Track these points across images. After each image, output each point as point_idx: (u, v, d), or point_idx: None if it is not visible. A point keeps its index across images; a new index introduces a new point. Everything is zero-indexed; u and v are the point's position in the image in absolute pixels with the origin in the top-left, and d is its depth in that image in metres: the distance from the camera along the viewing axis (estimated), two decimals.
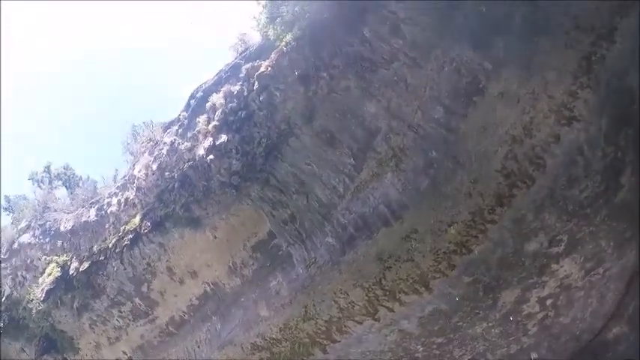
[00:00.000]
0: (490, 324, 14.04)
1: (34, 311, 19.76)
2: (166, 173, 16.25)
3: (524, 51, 11.53)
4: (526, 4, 11.28)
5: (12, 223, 23.22)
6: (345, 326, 14.84)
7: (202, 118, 15.24)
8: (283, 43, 12.94)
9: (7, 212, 25.29)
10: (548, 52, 11.43)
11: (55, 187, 24.46)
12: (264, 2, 13.23)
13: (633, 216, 12.75)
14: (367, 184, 13.37)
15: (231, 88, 14.63)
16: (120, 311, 18.77)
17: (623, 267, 13.52)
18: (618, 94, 11.73)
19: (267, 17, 13.34)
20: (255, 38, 14.73)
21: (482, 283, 13.37)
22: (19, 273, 21.07)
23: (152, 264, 17.38)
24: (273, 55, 13.37)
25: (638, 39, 11.39)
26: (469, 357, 14.92)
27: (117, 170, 20.57)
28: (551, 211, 12.36)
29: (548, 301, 13.57)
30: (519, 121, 11.94)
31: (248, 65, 14.29)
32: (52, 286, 19.32)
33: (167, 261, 17.21)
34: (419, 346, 14.79)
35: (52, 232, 20.87)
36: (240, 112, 14.25)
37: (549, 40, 11.37)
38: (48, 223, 21.29)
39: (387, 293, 13.94)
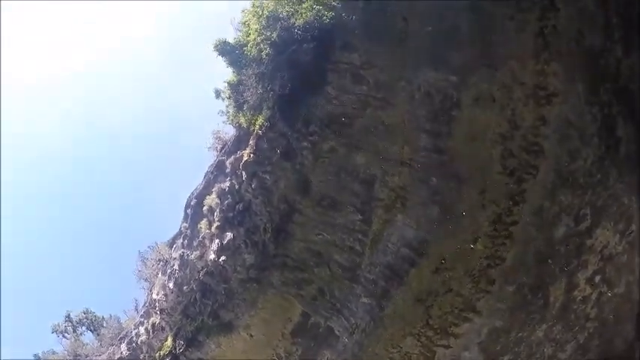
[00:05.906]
0: (550, 323, 13.13)
1: None
2: (184, 287, 15.73)
3: (480, 53, 11.35)
4: (468, 10, 11.21)
5: None
6: None
7: (203, 223, 14.88)
8: (257, 127, 12.72)
9: None
10: (503, 44, 11.28)
11: (81, 334, 24.01)
12: (228, 93, 13.04)
13: None
14: (382, 233, 12.82)
15: (222, 186, 14.33)
16: None
17: None
18: (582, 57, 11.54)
19: (234, 107, 13.12)
20: (230, 131, 14.58)
21: (527, 286, 12.68)
22: None
23: None
24: (251, 141, 13.11)
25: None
26: None
27: (136, 300, 20.25)
28: (565, 190, 11.93)
29: (597, 278, 12.81)
30: (502, 117, 11.65)
31: (231, 159, 14.03)
32: None
33: None
34: None
35: None
36: (237, 206, 13.91)
37: (500, 33, 11.24)
38: None
39: (439, 331, 13.11)
